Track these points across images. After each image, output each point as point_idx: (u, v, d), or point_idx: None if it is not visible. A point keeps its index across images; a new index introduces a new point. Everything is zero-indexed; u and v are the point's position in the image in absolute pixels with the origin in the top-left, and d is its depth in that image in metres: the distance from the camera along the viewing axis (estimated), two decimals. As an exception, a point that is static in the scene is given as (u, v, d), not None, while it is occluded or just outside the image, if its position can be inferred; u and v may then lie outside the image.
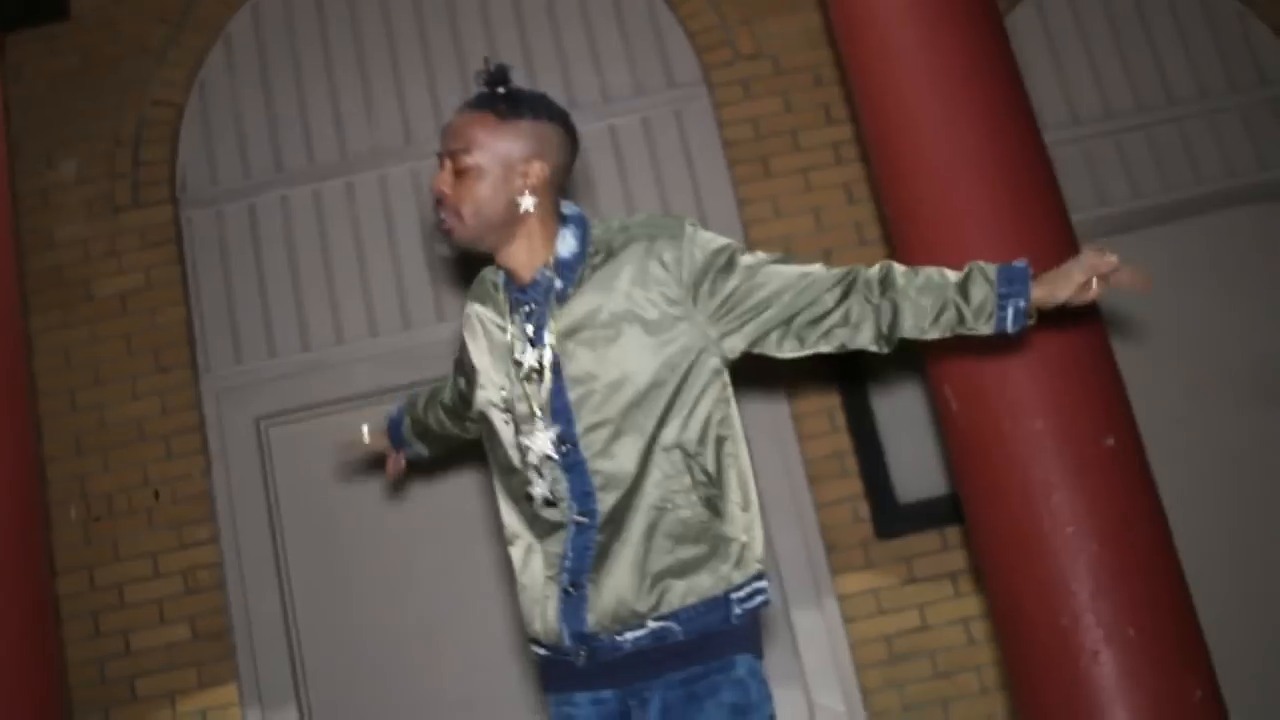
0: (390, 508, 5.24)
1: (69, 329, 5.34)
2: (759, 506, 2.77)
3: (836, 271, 2.73)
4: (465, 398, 3.10)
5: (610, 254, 2.76)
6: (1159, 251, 5.38)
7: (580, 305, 2.74)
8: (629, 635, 2.67)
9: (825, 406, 5.15)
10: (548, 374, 2.73)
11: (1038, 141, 3.77)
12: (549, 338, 2.74)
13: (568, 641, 2.72)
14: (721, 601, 2.67)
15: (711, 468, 2.71)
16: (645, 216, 2.85)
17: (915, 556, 4.99)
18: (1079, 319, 3.52)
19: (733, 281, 2.72)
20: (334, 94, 5.69)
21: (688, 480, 2.68)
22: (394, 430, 3.47)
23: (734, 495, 2.74)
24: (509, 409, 2.79)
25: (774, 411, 5.16)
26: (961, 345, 3.51)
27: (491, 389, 2.83)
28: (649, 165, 5.53)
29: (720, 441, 2.74)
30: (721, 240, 2.75)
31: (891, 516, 5.01)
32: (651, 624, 2.66)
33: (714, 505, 2.70)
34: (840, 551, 5.01)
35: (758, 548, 2.74)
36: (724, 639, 2.68)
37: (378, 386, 5.22)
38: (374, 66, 5.71)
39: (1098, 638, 3.30)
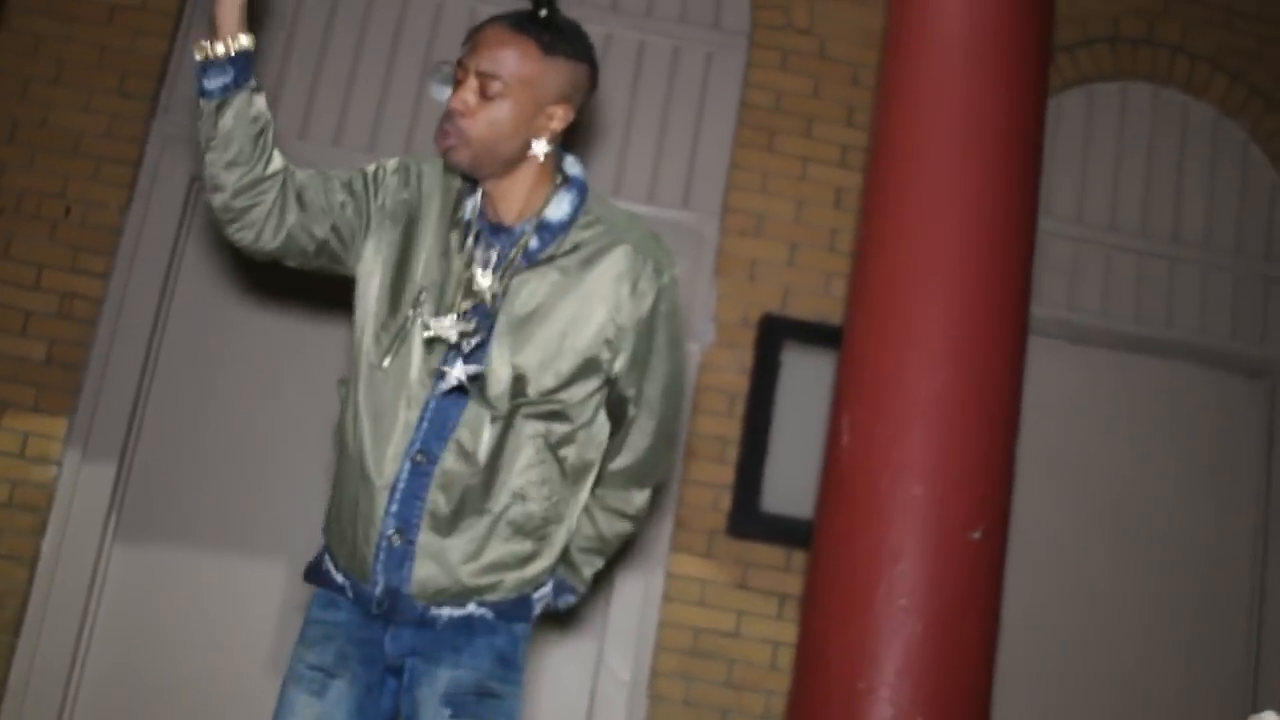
0: (288, 324, 5.15)
1: (48, 18, 5.18)
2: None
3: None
4: (330, 213, 2.74)
5: (595, 246, 2.63)
6: (1104, 377, 5.35)
7: (542, 285, 2.60)
8: (445, 611, 2.60)
9: (731, 390, 5.07)
10: (490, 315, 2.59)
11: (1029, 233, 3.68)
12: (501, 289, 2.59)
13: (376, 591, 2.61)
14: (527, 601, 2.69)
15: (569, 469, 2.68)
16: (643, 232, 2.70)
17: (754, 566, 4.93)
18: (1001, 419, 3.49)
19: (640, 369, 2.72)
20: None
21: (545, 473, 2.62)
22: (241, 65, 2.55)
23: (574, 505, 2.73)
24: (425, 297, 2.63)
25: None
26: (874, 383, 3.47)
27: (421, 263, 2.66)
28: (662, 94, 5.38)
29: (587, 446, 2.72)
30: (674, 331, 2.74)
31: (748, 519, 4.94)
32: (472, 607, 2.61)
33: (559, 509, 2.67)
34: (686, 531, 4.96)
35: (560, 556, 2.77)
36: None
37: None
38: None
39: (885, 715, 3.27)
